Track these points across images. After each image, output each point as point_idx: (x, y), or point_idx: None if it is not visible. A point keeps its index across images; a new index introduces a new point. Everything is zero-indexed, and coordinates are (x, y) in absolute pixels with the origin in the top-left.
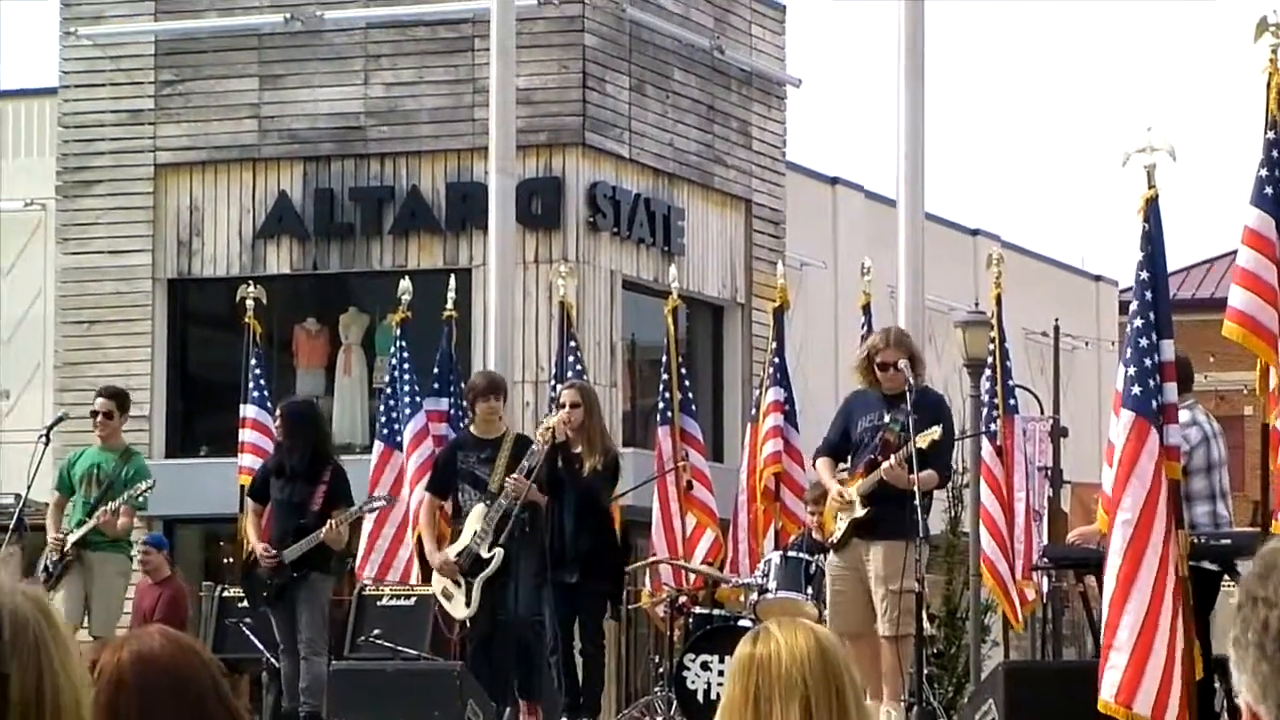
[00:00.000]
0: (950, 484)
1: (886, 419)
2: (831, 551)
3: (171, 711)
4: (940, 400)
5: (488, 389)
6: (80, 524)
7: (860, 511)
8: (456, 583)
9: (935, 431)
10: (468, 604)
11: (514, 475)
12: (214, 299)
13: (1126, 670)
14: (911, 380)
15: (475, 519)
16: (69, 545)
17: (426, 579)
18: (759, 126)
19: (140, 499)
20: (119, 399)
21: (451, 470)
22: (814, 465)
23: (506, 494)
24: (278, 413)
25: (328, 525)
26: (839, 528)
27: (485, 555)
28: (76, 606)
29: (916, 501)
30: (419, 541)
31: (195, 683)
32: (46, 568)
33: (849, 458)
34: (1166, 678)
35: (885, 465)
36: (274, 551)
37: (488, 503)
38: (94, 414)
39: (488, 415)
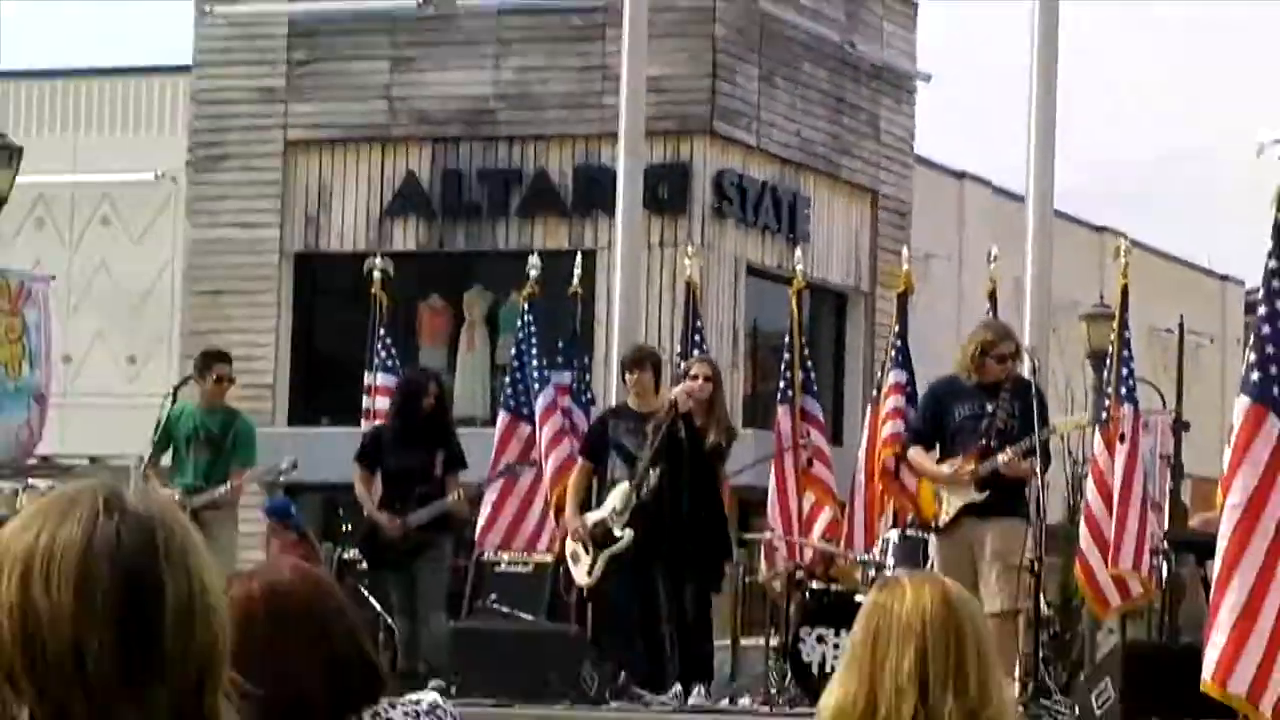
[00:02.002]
0: (1070, 474)
1: (990, 407)
2: (935, 534)
3: (300, 642)
4: (1040, 389)
5: (631, 361)
6: (197, 488)
7: (979, 495)
8: (586, 549)
9: (1083, 417)
10: (589, 573)
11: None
12: (339, 274)
13: (1225, 650)
14: (1018, 371)
15: (617, 496)
16: (191, 510)
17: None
18: (887, 119)
19: (280, 475)
20: (230, 363)
21: (604, 437)
22: (903, 456)
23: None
24: (432, 388)
25: (455, 494)
26: (949, 509)
27: (617, 534)
28: None
29: (1039, 483)
30: (559, 505)
31: (324, 615)
32: None
33: (939, 446)
34: (1268, 660)
35: (1003, 459)
36: (398, 521)
37: (633, 483)
38: (219, 379)
39: (636, 389)
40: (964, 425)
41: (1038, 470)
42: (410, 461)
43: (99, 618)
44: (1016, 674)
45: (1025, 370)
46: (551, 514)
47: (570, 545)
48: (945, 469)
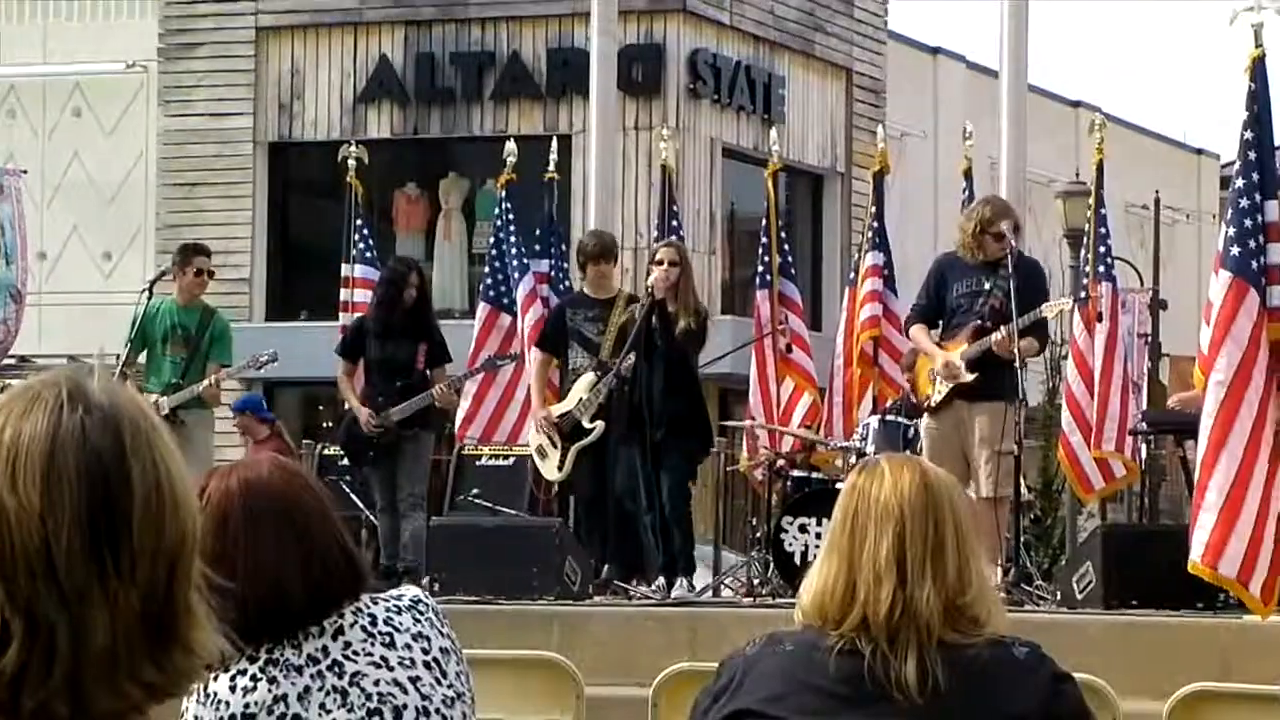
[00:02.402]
0: (1049, 355)
1: (988, 285)
2: (927, 414)
3: (278, 537)
4: (1041, 269)
5: (599, 254)
6: (174, 386)
7: (968, 377)
8: (554, 443)
9: (1065, 302)
10: (560, 467)
11: (630, 358)
12: (314, 163)
13: (1214, 531)
14: (1015, 246)
15: (583, 386)
16: (166, 409)
17: None
18: None
19: (261, 367)
20: (209, 258)
21: (562, 327)
22: (907, 332)
23: (618, 371)
24: (413, 279)
25: (440, 387)
26: (939, 390)
27: (587, 425)
28: None
29: (1017, 365)
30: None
31: (302, 510)
32: None
33: (941, 322)
34: (1256, 540)
35: (997, 337)
36: (378, 416)
37: (598, 372)
38: (200, 272)
39: (598, 279)
40: (959, 303)
41: (1035, 350)
42: (394, 353)
43: (67, 514)
44: (1000, 560)
45: None
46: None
47: (535, 439)
48: (939, 361)
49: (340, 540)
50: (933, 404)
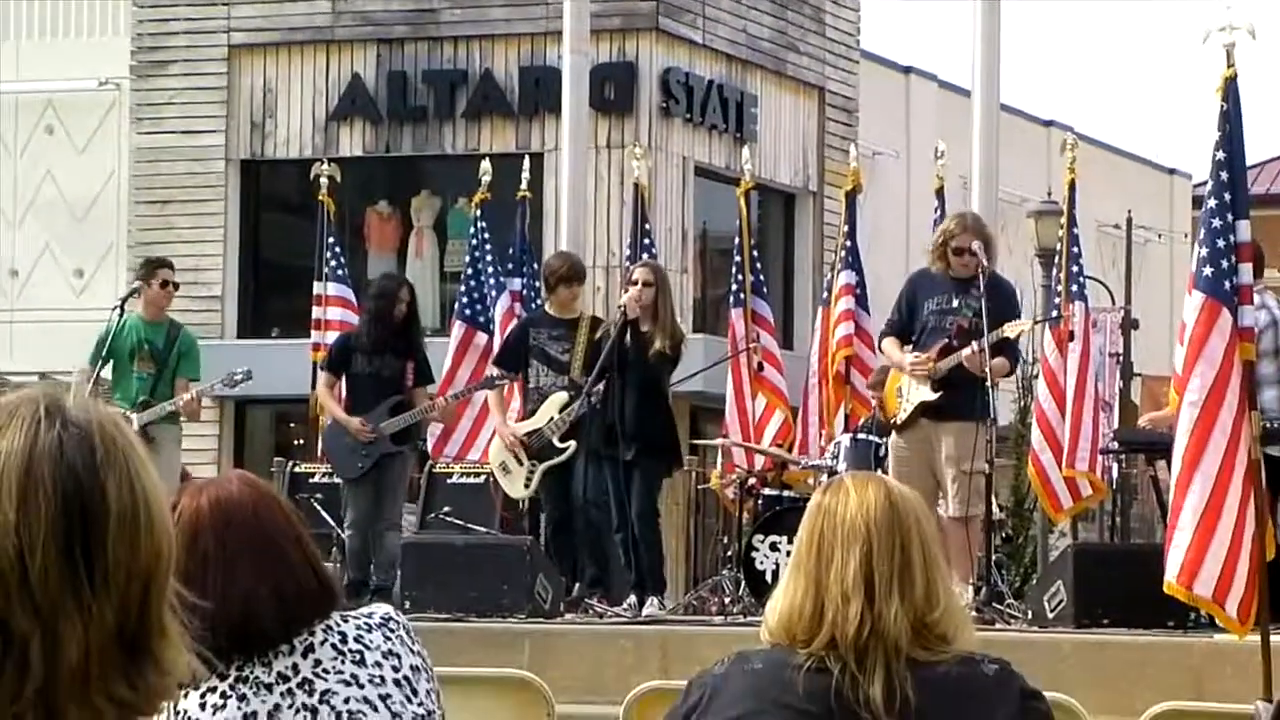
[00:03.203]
0: (1020, 374)
1: (957, 303)
2: (894, 433)
3: (250, 556)
4: (1013, 289)
5: (570, 275)
6: (145, 404)
7: (932, 395)
8: (519, 460)
9: (1025, 323)
10: (526, 485)
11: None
12: (286, 181)
13: (1188, 551)
14: (986, 265)
15: (553, 405)
16: (138, 426)
17: None
18: (832, 14)
19: (237, 385)
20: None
21: (523, 345)
22: (879, 347)
23: (588, 392)
24: (403, 293)
25: (443, 401)
26: (904, 408)
27: (559, 445)
28: None
29: (988, 383)
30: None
31: (274, 528)
32: None
33: (913, 339)
34: (1231, 560)
35: (967, 352)
36: (371, 427)
37: (570, 392)
38: (165, 284)
39: (569, 300)
40: (930, 320)
41: (1006, 370)
42: (382, 368)
43: (42, 528)
44: (972, 579)
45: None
46: None
47: (498, 456)
48: (908, 358)
49: (311, 559)
50: (899, 422)
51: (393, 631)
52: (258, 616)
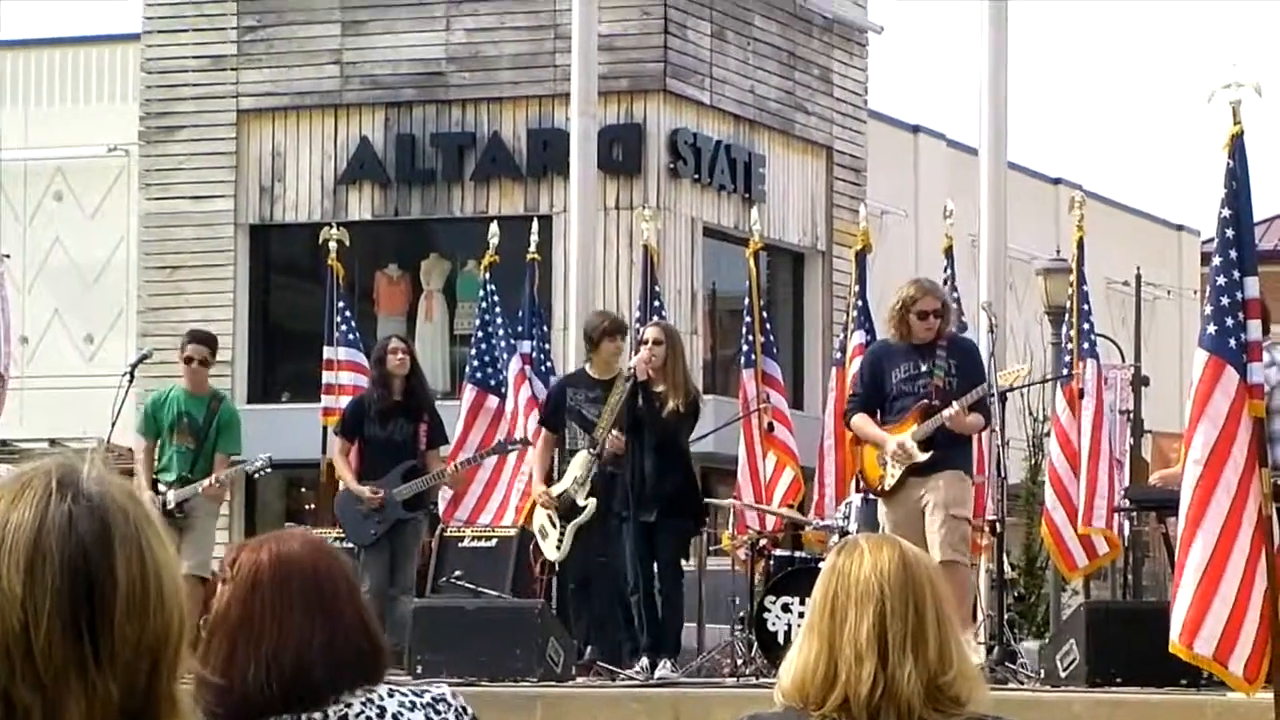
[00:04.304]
0: (1030, 432)
1: (925, 367)
2: (882, 501)
3: (306, 609)
4: (976, 346)
5: (613, 328)
6: (182, 480)
7: (922, 456)
8: (553, 523)
9: (1024, 368)
10: (558, 547)
11: (614, 433)
12: (295, 245)
13: (1189, 610)
14: (951, 328)
15: (578, 465)
16: (172, 504)
17: None
18: (840, 74)
19: (255, 474)
20: (211, 345)
21: (562, 406)
22: (848, 424)
23: (605, 451)
24: (394, 344)
25: (452, 467)
26: (891, 474)
27: (580, 503)
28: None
29: (987, 439)
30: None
31: (331, 585)
32: None
33: (880, 410)
34: (1236, 617)
35: (949, 413)
36: (380, 493)
37: (591, 450)
38: (188, 360)
39: (613, 355)
40: (900, 389)
41: (992, 425)
42: (395, 433)
43: (48, 601)
44: (980, 638)
45: (983, 327)
46: (517, 489)
47: (539, 520)
48: (891, 443)
49: (366, 621)
50: (886, 488)
51: (438, 714)
52: (309, 668)
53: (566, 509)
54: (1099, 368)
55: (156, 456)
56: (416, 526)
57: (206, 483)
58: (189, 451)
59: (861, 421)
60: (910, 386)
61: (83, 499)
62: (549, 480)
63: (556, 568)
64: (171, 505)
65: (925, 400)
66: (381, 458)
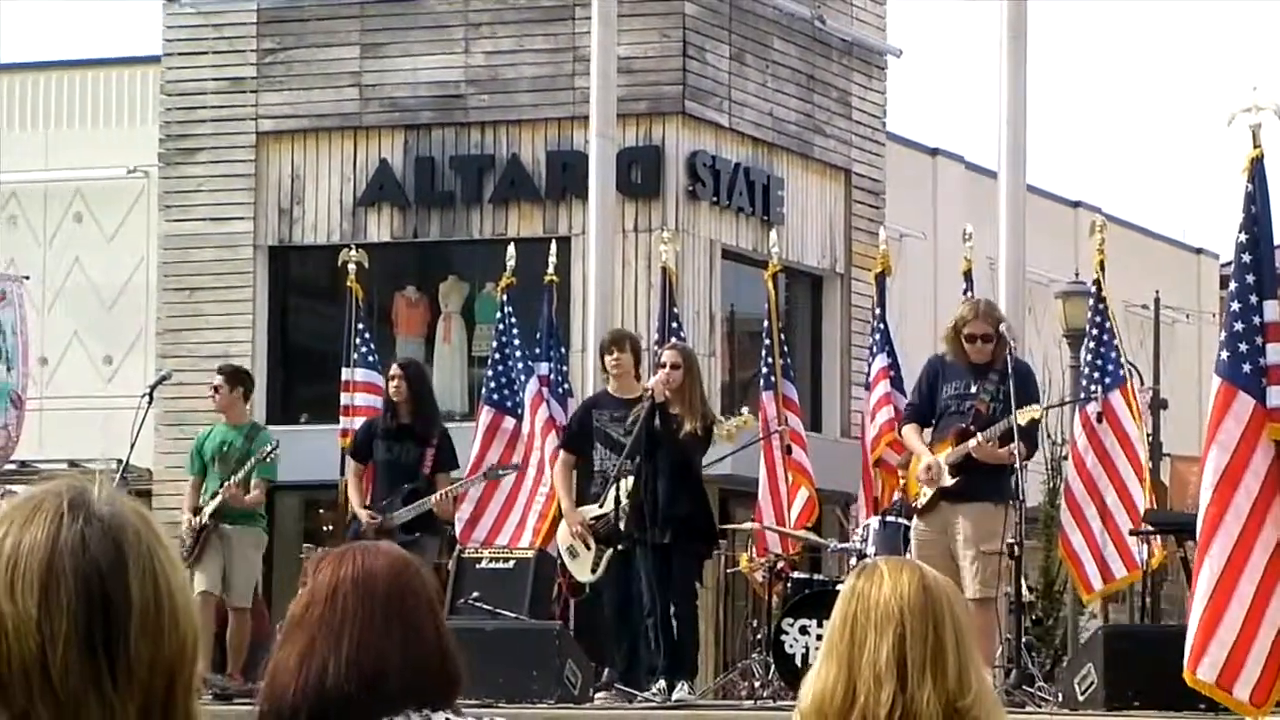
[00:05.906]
0: (1048, 455)
1: (974, 389)
2: (916, 516)
3: (386, 618)
4: (1031, 373)
5: (611, 343)
6: (213, 497)
7: (949, 481)
8: (586, 545)
9: (1036, 410)
10: (593, 570)
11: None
12: (314, 267)
13: (1196, 636)
14: (1007, 354)
15: (622, 489)
16: (204, 519)
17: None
18: (859, 96)
19: (268, 463)
20: (229, 376)
21: (587, 428)
22: (899, 432)
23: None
24: (392, 370)
25: (439, 495)
26: (924, 492)
27: (624, 529)
28: (215, 579)
29: (1018, 466)
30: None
31: (413, 600)
32: (184, 545)
33: (933, 424)
34: (1244, 642)
35: (974, 443)
36: (378, 516)
37: (612, 477)
38: (215, 389)
39: (614, 370)
40: (948, 405)
41: (1018, 455)
42: (401, 455)
43: (64, 622)
44: (997, 661)
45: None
46: (534, 510)
47: (566, 541)
48: (923, 462)
49: (444, 639)
50: (920, 506)
51: None
52: (387, 676)
53: (609, 533)
54: (1124, 389)
55: (203, 489)
56: (419, 549)
57: (227, 487)
58: (223, 476)
59: (909, 433)
60: (957, 405)
61: (95, 520)
62: (578, 502)
63: (587, 589)
64: (205, 520)
65: (963, 424)
66: (388, 480)
